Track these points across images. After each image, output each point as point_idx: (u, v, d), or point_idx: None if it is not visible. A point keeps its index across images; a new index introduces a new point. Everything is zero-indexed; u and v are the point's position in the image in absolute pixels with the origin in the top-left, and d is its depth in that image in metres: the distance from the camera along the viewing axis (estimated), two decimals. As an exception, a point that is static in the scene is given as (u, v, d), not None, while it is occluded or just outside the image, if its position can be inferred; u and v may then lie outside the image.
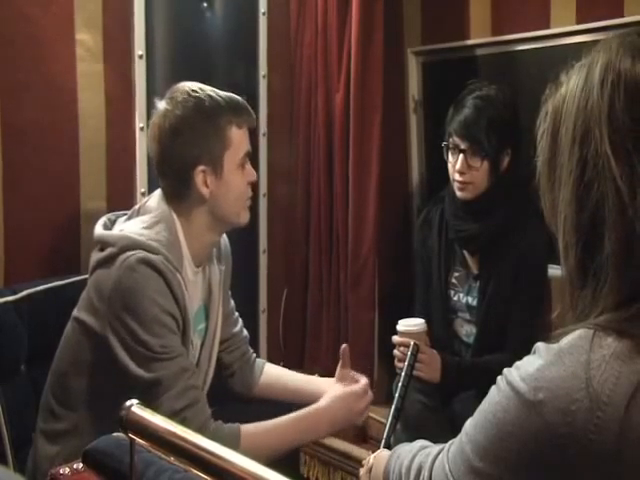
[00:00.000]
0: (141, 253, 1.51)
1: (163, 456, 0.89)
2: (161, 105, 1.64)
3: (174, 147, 1.62)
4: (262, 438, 1.56)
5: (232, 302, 1.92)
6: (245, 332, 1.95)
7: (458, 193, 2.04)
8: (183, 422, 1.49)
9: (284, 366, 2.61)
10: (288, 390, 1.91)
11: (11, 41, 2.03)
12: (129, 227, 1.60)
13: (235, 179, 1.66)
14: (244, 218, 1.72)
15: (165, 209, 1.63)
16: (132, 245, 1.53)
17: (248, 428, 1.57)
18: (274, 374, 1.95)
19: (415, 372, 1.81)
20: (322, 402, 1.67)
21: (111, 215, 1.73)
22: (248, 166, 1.69)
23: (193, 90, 1.63)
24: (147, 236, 1.56)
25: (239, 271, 1.91)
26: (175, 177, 1.64)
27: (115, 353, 1.50)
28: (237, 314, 1.94)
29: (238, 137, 1.65)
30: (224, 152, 1.63)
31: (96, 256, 1.59)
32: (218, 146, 1.62)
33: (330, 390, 1.72)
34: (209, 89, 1.66)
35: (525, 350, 0.86)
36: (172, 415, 1.47)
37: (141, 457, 0.95)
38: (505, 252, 2.02)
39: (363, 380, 1.76)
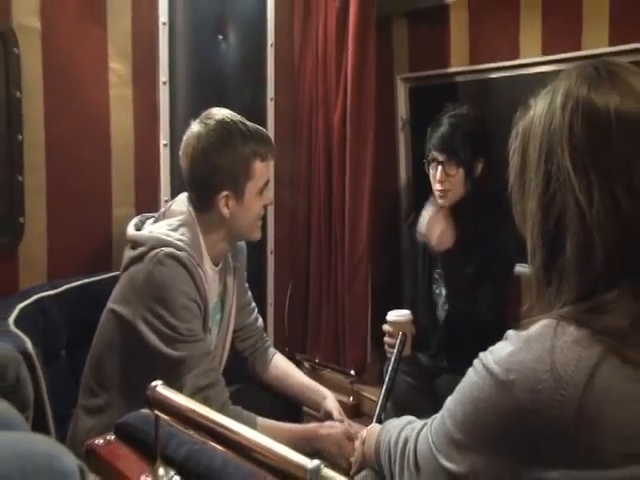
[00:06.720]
0: (168, 249, 1.51)
1: (184, 430, 0.89)
2: (195, 127, 1.62)
3: (203, 169, 1.59)
4: (270, 433, 1.55)
5: (249, 295, 1.90)
6: (259, 324, 1.92)
7: (439, 201, 2.05)
8: (206, 400, 1.49)
9: (289, 351, 2.63)
10: (294, 389, 1.87)
11: (55, 71, 2.04)
12: (157, 229, 1.60)
13: (253, 204, 1.64)
14: (257, 235, 1.71)
15: (188, 214, 1.62)
16: (160, 243, 1.53)
17: (264, 420, 1.58)
18: (285, 371, 1.91)
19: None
20: (323, 429, 1.65)
21: (141, 217, 1.73)
22: (266, 192, 1.67)
23: (225, 121, 1.60)
24: (173, 237, 1.56)
25: (250, 269, 1.91)
26: (200, 194, 1.63)
27: (146, 337, 1.49)
28: (253, 306, 1.91)
29: (261, 169, 1.62)
30: (247, 182, 1.61)
31: (129, 254, 1.58)
32: (242, 176, 1.60)
33: (334, 424, 1.69)
34: (239, 120, 1.62)
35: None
36: (196, 391, 1.48)
37: (165, 431, 0.95)
38: (479, 254, 2.02)
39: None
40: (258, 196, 1.64)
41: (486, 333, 0.87)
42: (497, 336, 0.84)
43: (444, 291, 2.12)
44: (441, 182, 2.01)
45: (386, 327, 1.92)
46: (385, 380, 1.63)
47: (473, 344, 0.87)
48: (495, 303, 1.97)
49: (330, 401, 1.80)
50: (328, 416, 1.77)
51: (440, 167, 2.01)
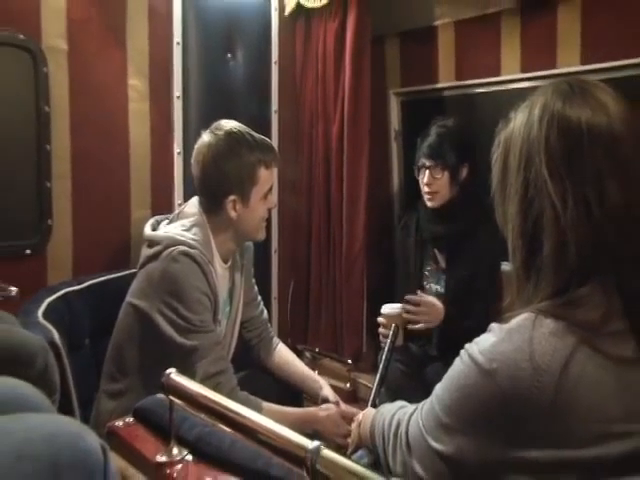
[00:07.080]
0: (182, 248, 1.51)
1: (195, 413, 0.89)
2: (206, 137, 1.61)
3: (213, 175, 1.59)
4: (274, 416, 1.54)
5: (255, 289, 1.89)
6: (264, 316, 1.92)
7: (428, 203, 2.06)
8: (217, 385, 1.49)
9: (291, 341, 2.62)
10: (295, 377, 1.87)
11: (80, 87, 2.05)
12: (171, 229, 1.60)
13: (258, 207, 1.64)
14: (262, 236, 1.70)
15: (200, 216, 1.62)
16: (174, 242, 1.53)
17: (269, 405, 1.58)
18: (286, 360, 1.91)
19: (416, 326, 1.90)
20: (322, 411, 1.67)
21: (157, 218, 1.73)
22: (270, 196, 1.67)
23: (233, 132, 1.60)
24: (186, 236, 1.55)
25: (256, 267, 1.91)
26: (210, 198, 1.63)
27: (161, 328, 1.49)
28: (259, 300, 1.91)
29: (265, 176, 1.62)
30: (252, 188, 1.61)
31: (146, 252, 1.58)
32: (248, 182, 1.60)
33: (330, 407, 1.70)
34: (246, 131, 1.62)
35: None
36: (207, 378, 1.48)
37: (178, 414, 0.95)
38: (467, 252, 2.02)
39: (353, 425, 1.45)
40: (263, 200, 1.64)
41: (477, 329, 0.87)
42: (484, 330, 0.84)
43: (434, 287, 2.12)
44: (428, 185, 2.03)
45: (380, 319, 1.92)
46: (379, 368, 1.63)
47: (465, 339, 0.86)
48: (487, 301, 1.97)
49: (326, 389, 1.82)
50: (325, 400, 1.78)
51: (427, 171, 2.03)
